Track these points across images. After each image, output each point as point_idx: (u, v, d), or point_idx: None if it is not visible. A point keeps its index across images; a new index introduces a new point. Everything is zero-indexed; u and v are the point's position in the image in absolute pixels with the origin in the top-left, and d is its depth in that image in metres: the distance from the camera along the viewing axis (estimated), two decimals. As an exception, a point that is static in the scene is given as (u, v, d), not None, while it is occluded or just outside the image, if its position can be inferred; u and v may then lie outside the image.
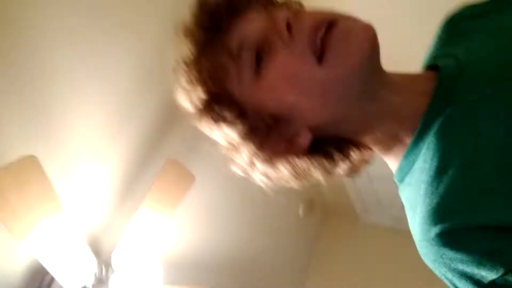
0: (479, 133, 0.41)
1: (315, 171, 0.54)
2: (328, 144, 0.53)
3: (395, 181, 0.51)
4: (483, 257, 0.36)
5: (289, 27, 0.47)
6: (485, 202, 0.37)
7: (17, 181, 1.07)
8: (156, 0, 1.81)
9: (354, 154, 0.55)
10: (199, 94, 0.52)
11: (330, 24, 0.45)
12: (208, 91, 0.52)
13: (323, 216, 2.95)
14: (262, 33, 0.49)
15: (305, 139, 0.51)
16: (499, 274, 0.35)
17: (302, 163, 0.53)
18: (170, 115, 1.78)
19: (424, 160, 0.45)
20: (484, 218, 0.37)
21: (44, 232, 1.09)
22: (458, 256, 0.38)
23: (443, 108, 0.45)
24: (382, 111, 0.48)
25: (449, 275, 0.40)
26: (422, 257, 0.44)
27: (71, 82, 1.46)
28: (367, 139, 0.52)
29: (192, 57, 0.53)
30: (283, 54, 0.47)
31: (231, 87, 0.51)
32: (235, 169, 0.56)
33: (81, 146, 1.48)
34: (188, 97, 0.54)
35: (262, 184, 0.57)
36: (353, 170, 0.56)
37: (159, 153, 1.72)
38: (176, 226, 1.65)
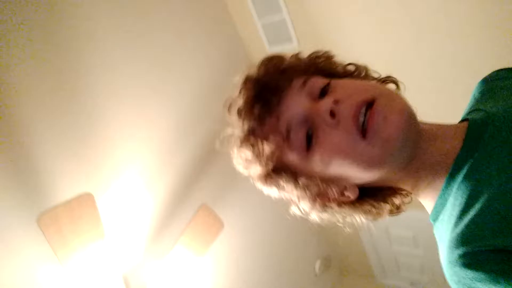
0: (503, 171, 0.48)
1: (360, 215, 0.63)
2: (373, 191, 0.62)
3: (430, 220, 0.58)
4: (499, 276, 0.42)
5: (331, 111, 0.53)
6: (503, 229, 0.44)
7: (73, 216, 1.21)
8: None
9: (395, 199, 0.64)
10: (257, 170, 0.61)
11: (370, 103, 0.51)
12: (265, 169, 0.61)
13: (339, 274, 2.93)
14: (308, 116, 0.56)
15: (353, 193, 0.60)
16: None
17: (350, 210, 0.63)
18: (207, 160, 1.93)
19: (455, 198, 0.52)
20: (501, 242, 0.43)
21: (87, 257, 1.22)
22: (477, 275, 0.44)
23: (472, 152, 0.52)
24: (420, 163, 0.55)
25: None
26: (448, 281, 0.50)
27: (121, 124, 1.66)
28: (406, 186, 0.60)
29: (245, 137, 0.60)
30: (331, 135, 0.54)
31: (285, 161, 0.60)
32: (294, 210, 0.65)
33: (126, 182, 1.63)
34: (247, 170, 0.63)
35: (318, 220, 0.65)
36: (394, 213, 0.65)
37: (194, 196, 1.83)
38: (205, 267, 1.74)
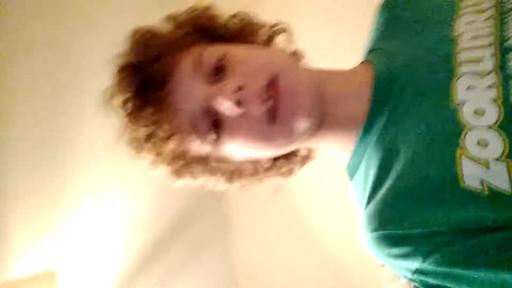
0: (408, 144, 0.47)
1: (275, 177, 0.64)
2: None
3: (346, 173, 0.58)
4: (407, 254, 0.44)
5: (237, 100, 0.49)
6: (408, 211, 0.44)
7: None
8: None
9: (304, 151, 0.65)
10: (166, 169, 0.59)
11: (273, 81, 0.50)
12: (174, 167, 0.59)
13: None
14: (210, 105, 0.52)
15: (267, 162, 0.61)
16: (419, 264, 0.43)
17: (265, 175, 0.63)
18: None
19: (368, 166, 0.52)
20: (407, 225, 0.44)
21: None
22: (389, 252, 0.46)
23: (381, 115, 0.51)
24: (329, 126, 0.55)
25: (387, 263, 0.48)
26: (366, 250, 0.51)
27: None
28: (319, 145, 0.61)
29: (144, 142, 0.56)
30: (240, 124, 0.51)
31: (196, 152, 0.57)
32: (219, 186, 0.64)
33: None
34: (156, 170, 0.60)
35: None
36: (306, 162, 0.66)
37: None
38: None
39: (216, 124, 0.53)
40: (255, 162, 0.61)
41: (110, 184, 1.69)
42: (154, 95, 0.54)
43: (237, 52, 0.55)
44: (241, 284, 2.23)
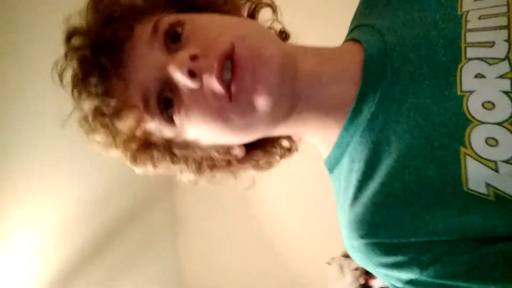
0: (400, 139, 0.41)
1: (251, 169, 0.56)
2: (259, 142, 0.54)
3: (325, 166, 0.51)
4: (401, 264, 0.39)
5: (190, 71, 0.43)
6: (403, 217, 0.40)
7: None
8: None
9: (284, 141, 0.57)
10: (119, 154, 0.52)
11: (230, 55, 0.42)
12: (128, 151, 0.51)
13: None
14: (166, 76, 0.45)
15: (239, 151, 0.53)
16: (414, 275, 0.38)
17: (239, 166, 0.55)
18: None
19: (352, 160, 0.46)
20: (402, 233, 0.39)
21: None
22: (379, 261, 0.41)
23: (370, 101, 0.44)
24: (307, 111, 0.48)
25: (374, 271, 0.44)
26: (350, 254, 0.46)
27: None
28: (297, 133, 0.54)
29: (90, 119, 0.49)
30: (195, 99, 0.44)
31: (152, 134, 0.50)
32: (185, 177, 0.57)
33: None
34: (109, 154, 0.52)
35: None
36: (286, 156, 0.59)
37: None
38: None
39: (168, 102, 0.46)
40: (227, 152, 0.52)
41: (49, 174, 1.55)
42: (100, 63, 0.46)
43: (197, 19, 0.48)
44: (186, 280, 2.17)
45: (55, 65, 0.50)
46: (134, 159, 0.52)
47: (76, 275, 1.66)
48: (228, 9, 0.54)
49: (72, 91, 0.49)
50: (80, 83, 0.48)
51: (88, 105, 0.48)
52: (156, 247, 2.07)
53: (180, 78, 0.43)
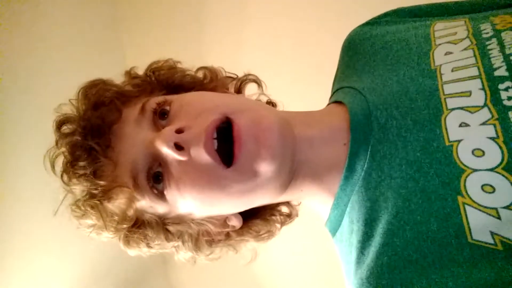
0: (396, 192, 0.41)
1: (251, 240, 0.55)
2: (256, 210, 0.53)
3: (327, 229, 0.50)
4: None
5: (176, 144, 0.43)
6: (410, 277, 0.38)
7: None
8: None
9: (283, 207, 0.56)
10: (111, 236, 0.51)
11: (226, 122, 0.43)
12: (120, 232, 0.50)
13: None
14: (153, 152, 0.45)
15: (236, 221, 0.52)
16: None
17: (238, 238, 0.54)
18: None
19: (351, 221, 0.45)
20: None
21: None
22: None
23: (362, 160, 0.44)
24: (303, 175, 0.47)
25: None
26: None
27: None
28: (294, 199, 0.54)
29: (80, 203, 0.49)
30: (186, 171, 0.44)
31: (143, 212, 0.49)
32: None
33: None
34: (101, 237, 0.52)
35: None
36: (287, 222, 0.58)
37: None
38: None
39: (158, 177, 0.46)
40: (223, 223, 0.51)
41: (40, 255, 1.51)
42: (89, 146, 0.47)
43: (185, 97, 0.50)
44: None
45: (47, 153, 0.51)
46: (127, 240, 0.50)
47: None
48: (215, 86, 0.56)
49: (62, 175, 0.49)
50: (70, 167, 0.48)
51: (78, 188, 0.48)
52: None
53: (166, 151, 0.43)
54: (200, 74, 0.57)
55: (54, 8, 1.57)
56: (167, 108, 0.47)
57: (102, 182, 0.46)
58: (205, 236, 0.52)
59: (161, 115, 0.47)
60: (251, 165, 0.43)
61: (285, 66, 1.46)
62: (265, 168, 0.43)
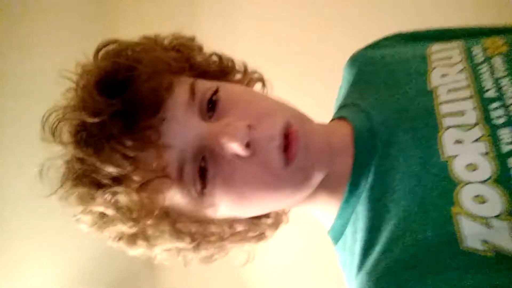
0: (397, 204, 0.43)
1: (245, 243, 0.55)
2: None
3: (330, 237, 0.52)
4: None
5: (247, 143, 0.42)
6: (407, 280, 0.39)
7: None
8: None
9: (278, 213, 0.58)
10: (122, 230, 0.46)
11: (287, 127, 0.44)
12: (137, 227, 0.46)
13: None
14: (208, 144, 0.43)
15: (242, 224, 0.53)
16: None
17: (234, 240, 0.54)
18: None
19: (355, 230, 0.47)
20: None
21: None
22: None
23: (366, 174, 0.47)
24: (320, 185, 0.49)
25: None
26: None
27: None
28: (305, 207, 0.55)
29: (104, 188, 0.42)
30: (244, 168, 0.43)
31: (166, 207, 0.46)
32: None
33: None
34: (99, 231, 0.48)
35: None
36: (279, 225, 0.59)
37: None
38: None
39: (204, 171, 0.44)
40: (231, 225, 0.52)
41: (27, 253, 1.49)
42: (141, 123, 0.41)
43: (233, 89, 0.49)
44: None
45: (48, 116, 0.44)
46: (141, 235, 0.47)
47: None
48: (239, 81, 0.57)
49: (97, 148, 0.41)
50: (113, 141, 0.41)
51: (115, 170, 0.41)
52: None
53: (236, 148, 0.42)
54: (221, 61, 0.55)
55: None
56: (215, 98, 0.45)
57: (144, 170, 0.41)
58: (211, 237, 0.52)
59: (211, 105, 0.45)
60: (306, 171, 0.45)
61: (281, 68, 1.50)
62: (316, 177, 0.46)
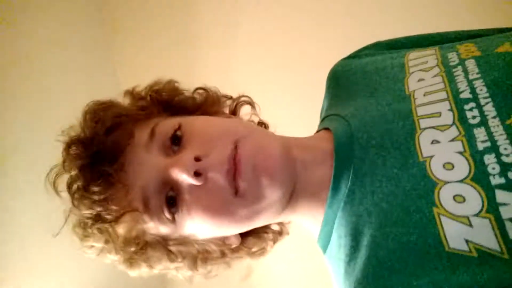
0: (378, 207, 0.44)
1: (245, 257, 0.58)
2: (254, 229, 0.56)
3: (319, 247, 0.53)
4: None
5: (196, 172, 0.46)
6: (394, 284, 0.40)
7: None
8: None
9: (274, 225, 0.60)
10: (116, 258, 0.53)
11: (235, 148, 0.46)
12: (126, 254, 0.52)
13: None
14: (166, 178, 0.48)
15: (235, 240, 0.55)
16: None
17: (233, 255, 0.57)
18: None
19: (339, 236, 0.48)
20: None
21: None
22: None
23: (345, 179, 0.48)
24: (299, 195, 0.51)
25: None
26: None
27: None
28: (287, 218, 0.56)
29: (89, 225, 0.50)
30: (199, 196, 0.47)
31: (150, 235, 0.51)
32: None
33: None
34: (104, 259, 0.54)
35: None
36: (278, 240, 0.61)
37: None
38: None
39: (171, 201, 0.48)
40: (222, 243, 0.54)
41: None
42: (102, 171, 0.48)
43: (195, 122, 0.52)
44: None
45: (50, 173, 0.52)
46: (131, 262, 0.52)
47: None
48: (216, 110, 0.60)
49: (73, 198, 0.49)
50: (82, 191, 0.48)
51: (88, 211, 0.49)
52: None
53: (186, 178, 0.46)
54: (199, 95, 0.60)
55: (45, 30, 1.62)
56: (179, 133, 0.50)
57: (115, 207, 0.48)
58: (202, 254, 0.54)
59: (173, 140, 0.50)
60: (256, 191, 0.46)
61: (274, 86, 1.51)
62: (269, 193, 0.47)
